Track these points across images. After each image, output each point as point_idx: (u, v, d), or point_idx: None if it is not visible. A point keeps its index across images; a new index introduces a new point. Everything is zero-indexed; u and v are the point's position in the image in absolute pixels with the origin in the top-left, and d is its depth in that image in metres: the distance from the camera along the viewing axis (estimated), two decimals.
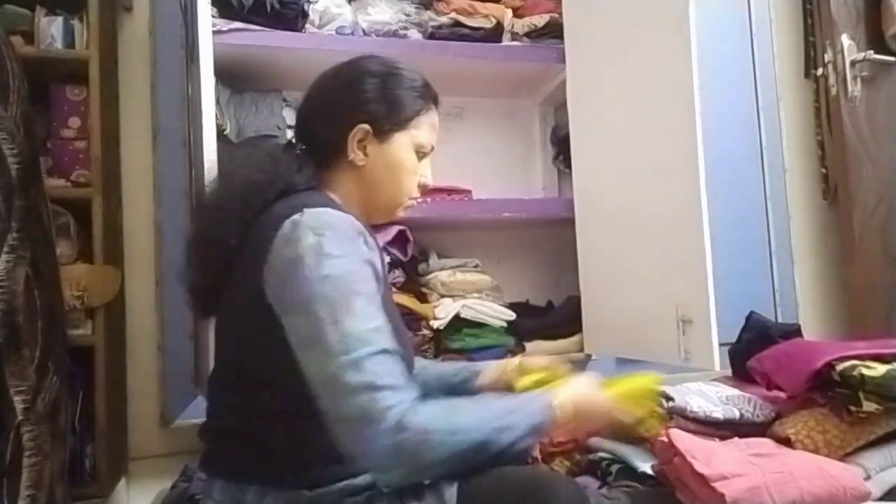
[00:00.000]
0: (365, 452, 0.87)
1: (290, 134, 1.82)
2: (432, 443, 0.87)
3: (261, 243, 0.97)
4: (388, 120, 1.09)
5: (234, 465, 1.00)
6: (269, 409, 0.98)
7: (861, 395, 1.25)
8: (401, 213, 1.17)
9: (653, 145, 1.65)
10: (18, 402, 1.16)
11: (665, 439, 1.23)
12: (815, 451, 1.26)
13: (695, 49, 1.53)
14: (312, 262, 0.92)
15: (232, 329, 1.05)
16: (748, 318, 1.77)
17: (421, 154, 1.14)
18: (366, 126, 1.08)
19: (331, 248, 0.93)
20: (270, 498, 0.96)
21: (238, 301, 1.02)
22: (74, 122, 1.57)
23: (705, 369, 1.54)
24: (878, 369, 1.26)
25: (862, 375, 1.25)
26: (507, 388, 1.20)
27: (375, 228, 1.35)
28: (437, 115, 1.16)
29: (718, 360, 1.49)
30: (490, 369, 1.32)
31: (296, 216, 0.96)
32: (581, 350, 1.97)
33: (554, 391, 1.01)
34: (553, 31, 2.08)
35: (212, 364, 1.36)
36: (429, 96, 1.14)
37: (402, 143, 1.11)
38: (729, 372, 1.71)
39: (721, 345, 1.80)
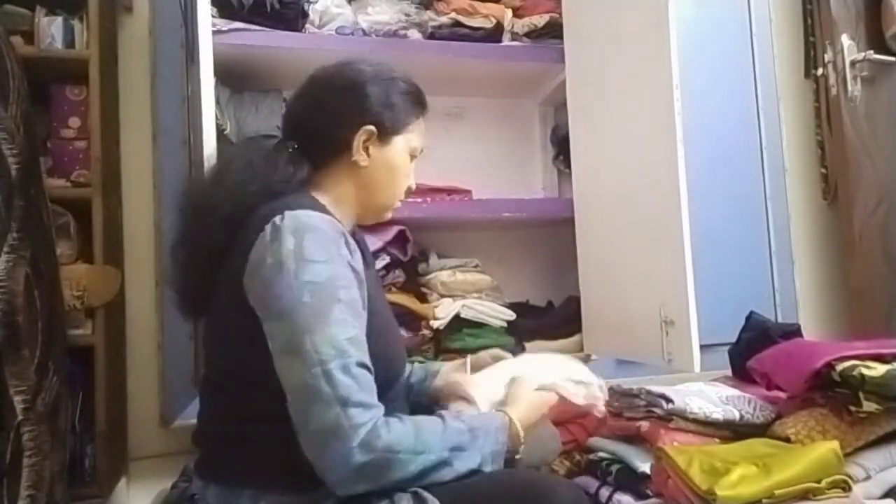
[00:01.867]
0: (328, 466, 0.88)
1: None
2: (397, 462, 0.89)
3: (243, 247, 0.98)
4: (391, 124, 1.12)
5: (228, 469, 1.00)
6: (259, 412, 0.98)
7: (861, 395, 1.25)
8: (388, 216, 1.20)
9: (642, 147, 1.65)
10: (18, 402, 1.16)
11: (659, 456, 1.23)
12: None
13: (674, 48, 1.52)
14: (294, 268, 0.92)
15: (219, 333, 1.05)
16: (748, 318, 1.77)
17: (412, 157, 1.17)
18: (371, 128, 1.10)
19: (312, 253, 0.94)
20: (264, 502, 0.96)
21: (223, 304, 1.02)
22: (74, 122, 1.57)
23: (686, 371, 1.53)
24: (878, 369, 1.26)
25: (862, 375, 1.25)
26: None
27: (374, 228, 1.34)
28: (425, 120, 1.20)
29: (699, 362, 1.49)
30: (445, 369, 1.31)
31: (276, 219, 0.97)
32: (581, 350, 1.96)
33: (509, 408, 1.04)
34: (553, 31, 2.07)
35: None
36: (422, 102, 1.18)
37: (400, 147, 1.14)
38: (714, 373, 1.70)
39: (720, 345, 1.81)
